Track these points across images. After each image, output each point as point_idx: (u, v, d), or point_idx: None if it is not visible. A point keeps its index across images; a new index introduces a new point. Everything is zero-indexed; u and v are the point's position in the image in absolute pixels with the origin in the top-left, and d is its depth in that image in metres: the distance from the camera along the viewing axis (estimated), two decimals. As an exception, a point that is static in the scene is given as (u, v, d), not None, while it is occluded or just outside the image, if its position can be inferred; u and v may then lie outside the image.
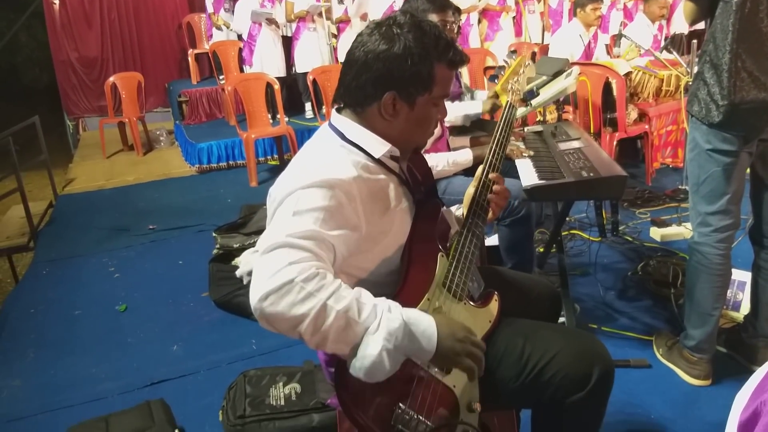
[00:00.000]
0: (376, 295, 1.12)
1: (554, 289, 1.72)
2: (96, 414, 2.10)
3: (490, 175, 1.45)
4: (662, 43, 5.29)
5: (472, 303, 1.31)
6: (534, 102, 2.85)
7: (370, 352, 1.03)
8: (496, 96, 3.01)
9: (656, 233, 3.38)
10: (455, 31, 2.46)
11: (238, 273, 3.03)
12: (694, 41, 3.51)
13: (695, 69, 1.95)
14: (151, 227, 4.18)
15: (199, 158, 5.64)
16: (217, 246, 3.40)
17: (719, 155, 1.90)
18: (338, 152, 1.23)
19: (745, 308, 2.37)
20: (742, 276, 2.46)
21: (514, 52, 2.56)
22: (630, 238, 3.38)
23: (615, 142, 3.99)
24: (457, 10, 2.80)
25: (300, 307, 0.99)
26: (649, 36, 4.98)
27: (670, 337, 2.30)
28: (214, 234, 3.50)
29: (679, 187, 4.02)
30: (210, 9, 7.23)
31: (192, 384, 2.38)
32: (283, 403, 2.03)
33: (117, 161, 6.30)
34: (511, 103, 1.59)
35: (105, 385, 2.42)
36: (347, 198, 1.14)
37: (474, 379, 1.16)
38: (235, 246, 3.33)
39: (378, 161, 1.26)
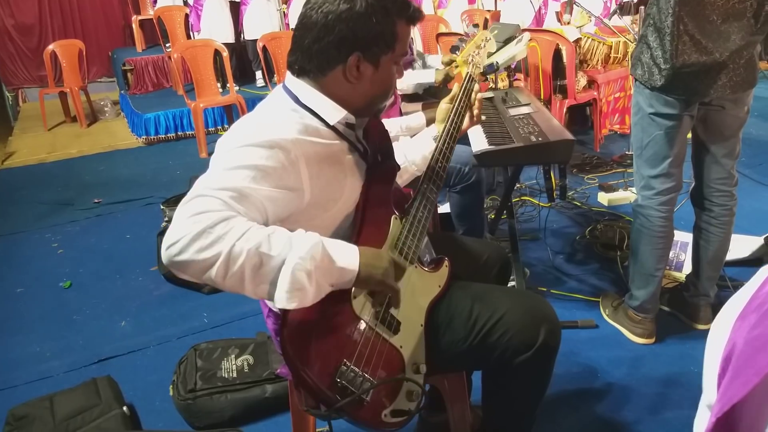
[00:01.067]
0: None
1: (504, 254, 1.74)
2: (41, 394, 2.03)
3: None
4: (612, 10, 5.35)
5: (423, 267, 1.31)
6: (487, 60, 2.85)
7: (286, 273, 0.99)
8: (450, 63, 2.99)
9: (603, 198, 3.46)
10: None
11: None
12: (642, 7, 3.55)
13: (640, 33, 1.96)
14: (96, 201, 4.03)
15: (146, 129, 5.45)
16: (166, 219, 3.31)
17: (661, 119, 1.93)
18: (287, 114, 1.20)
19: (687, 268, 2.46)
20: (684, 237, 2.54)
21: (476, 25, 2.54)
22: (578, 203, 3.45)
23: (565, 109, 4.05)
24: None
25: (208, 251, 0.95)
26: (599, 2, 5.02)
27: (615, 298, 2.37)
28: (162, 206, 3.40)
29: (626, 153, 4.10)
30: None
31: (141, 360, 2.33)
32: (235, 375, 2.01)
33: (59, 133, 6.04)
34: (471, 75, 1.58)
35: (50, 363, 2.35)
36: (288, 160, 1.11)
37: (397, 305, 1.19)
38: (184, 218, 3.25)
39: (331, 128, 1.23)
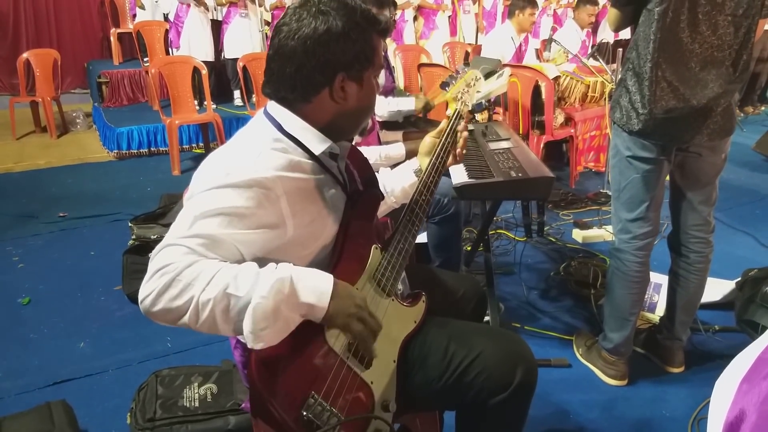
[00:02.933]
0: None
1: (480, 289, 1.72)
2: (-11, 417, 1.92)
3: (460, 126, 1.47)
4: (590, 50, 5.47)
5: (400, 301, 1.27)
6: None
7: (249, 314, 0.97)
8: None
9: (578, 235, 3.47)
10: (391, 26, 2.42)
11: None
12: (620, 50, 3.62)
13: (620, 77, 1.98)
14: (61, 215, 3.90)
15: (118, 143, 5.34)
16: (133, 237, 3.21)
17: (639, 162, 1.93)
18: (270, 145, 1.15)
19: (661, 309, 2.46)
20: (658, 278, 2.55)
21: (467, 64, 2.56)
22: (553, 239, 3.45)
23: (542, 145, 4.08)
24: (394, 4, 2.76)
25: (179, 299, 0.96)
26: (578, 42, 5.13)
27: (589, 337, 2.35)
28: (130, 224, 3.30)
29: (601, 190, 4.15)
30: (135, -13, 6.89)
31: (99, 384, 2.23)
32: (197, 404, 1.93)
33: (28, 143, 5.87)
34: (459, 112, 1.56)
35: (1, 384, 2.22)
36: (268, 199, 1.08)
37: (369, 350, 1.13)
38: (152, 237, 3.15)
39: (315, 159, 1.20)
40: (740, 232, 3.60)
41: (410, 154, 2.28)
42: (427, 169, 1.43)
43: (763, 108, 7.47)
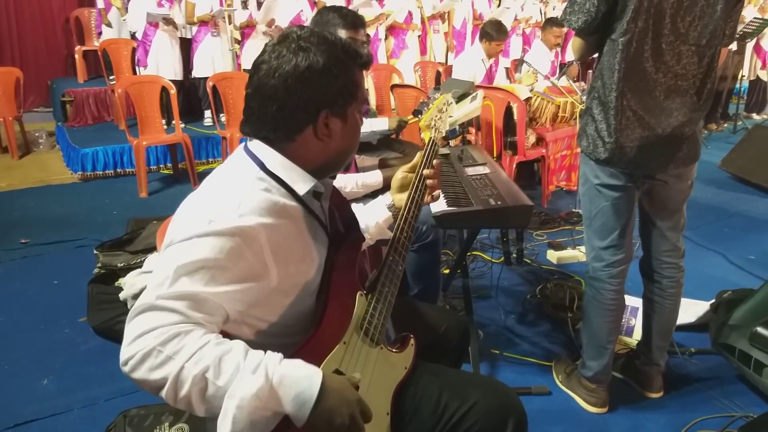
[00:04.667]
0: (284, 343, 1.03)
1: (463, 322, 1.70)
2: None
3: (425, 171, 1.43)
4: (559, 69, 5.55)
5: (389, 348, 1.23)
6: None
7: (226, 419, 0.91)
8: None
9: (553, 256, 3.48)
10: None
11: (121, 296, 2.78)
12: (590, 71, 3.67)
13: (586, 105, 1.97)
14: (23, 241, 3.75)
15: (82, 164, 5.18)
16: (99, 265, 3.10)
17: (608, 190, 1.93)
18: (253, 187, 1.10)
19: (638, 333, 2.46)
20: (634, 302, 2.55)
21: (438, 89, 2.55)
22: (529, 260, 3.45)
23: (514, 165, 4.10)
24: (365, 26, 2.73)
25: (158, 371, 0.91)
26: (547, 63, 5.20)
27: (568, 364, 2.33)
28: (95, 251, 3.19)
29: (573, 210, 4.17)
30: (101, 4, 6.74)
31: (64, 425, 2.12)
32: (168, 446, 1.84)
33: (-13, 164, 5.69)
34: (433, 140, 1.53)
35: (-43, 427, 2.10)
36: (251, 249, 1.04)
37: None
38: (119, 265, 3.04)
39: (299, 200, 1.15)
40: (710, 251, 3.65)
41: (387, 181, 2.24)
42: (405, 205, 1.39)
43: (726, 125, 7.67)
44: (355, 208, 1.53)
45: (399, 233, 1.34)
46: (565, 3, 1.87)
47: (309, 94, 1.10)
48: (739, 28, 6.73)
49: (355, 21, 2.35)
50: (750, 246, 3.72)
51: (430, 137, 1.56)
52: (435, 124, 1.64)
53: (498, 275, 3.11)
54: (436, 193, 1.46)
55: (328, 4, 6.81)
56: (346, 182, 2.17)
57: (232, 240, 1.01)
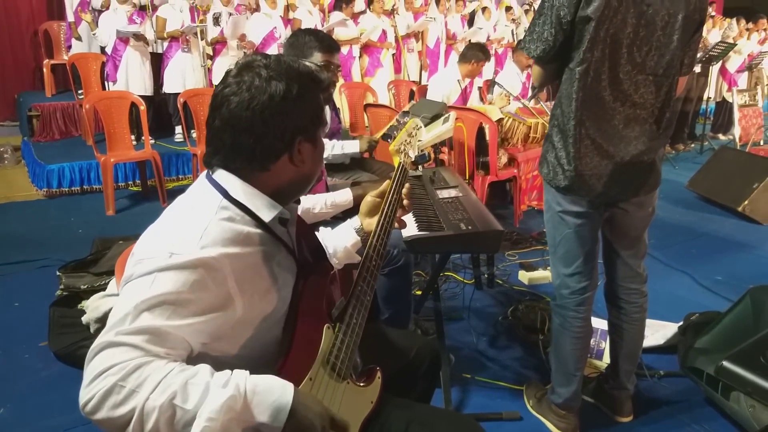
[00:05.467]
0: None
1: (433, 348, 1.67)
2: None
3: (396, 196, 1.41)
4: (530, 91, 5.62)
5: (355, 382, 1.20)
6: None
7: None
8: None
9: (524, 276, 3.48)
10: (337, 73, 2.39)
11: (84, 319, 2.70)
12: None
13: (546, 132, 1.97)
14: (-17, 261, 3.64)
15: (48, 181, 5.07)
16: (61, 287, 3.01)
17: (570, 217, 1.92)
18: (215, 217, 1.07)
19: (608, 356, 2.45)
20: (604, 325, 2.54)
21: (407, 112, 2.54)
22: (500, 281, 3.45)
23: (487, 185, 4.12)
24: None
25: (122, 407, 0.87)
26: (518, 83, 5.25)
27: (539, 388, 2.32)
28: (58, 273, 3.10)
29: (544, 230, 4.18)
30: (71, 18, 6.64)
31: (19, 457, 2.04)
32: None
33: (-52, 179, 5.53)
34: (403, 165, 1.52)
35: None
36: (214, 280, 1.01)
37: None
38: (82, 287, 2.96)
39: (265, 227, 1.13)
40: (678, 271, 3.70)
41: (357, 200, 2.22)
42: (374, 232, 1.36)
43: (693, 145, 7.85)
44: (324, 232, 1.50)
45: (368, 262, 1.31)
46: None
47: (286, 123, 1.09)
48: (704, 52, 6.92)
49: (331, 45, 2.35)
50: (717, 266, 3.78)
51: (400, 162, 1.55)
52: (404, 149, 1.62)
53: (470, 296, 3.10)
54: (403, 220, 1.44)
55: (303, 24, 6.86)
56: (314, 202, 2.14)
57: (194, 272, 0.98)
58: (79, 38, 6.75)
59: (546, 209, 2.02)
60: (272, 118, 1.07)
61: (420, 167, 2.52)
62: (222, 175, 1.12)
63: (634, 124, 1.80)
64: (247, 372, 0.96)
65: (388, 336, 1.59)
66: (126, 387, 0.87)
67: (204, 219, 1.05)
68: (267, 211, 1.12)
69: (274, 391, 0.94)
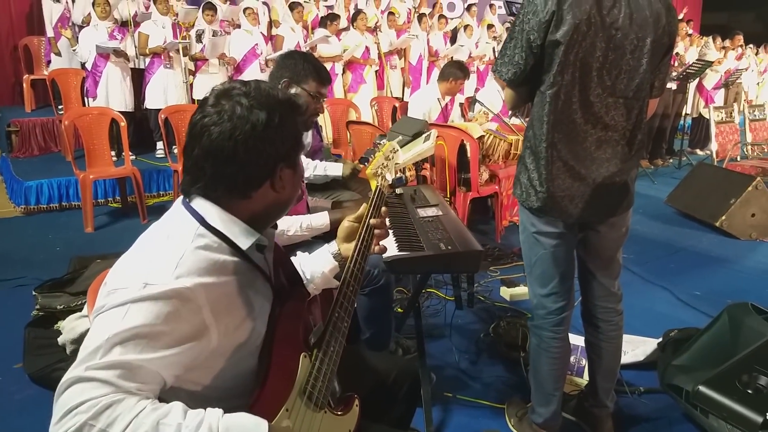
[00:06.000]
0: (224, 408, 0.97)
1: (413, 370, 1.66)
2: None
3: (372, 220, 1.39)
4: (510, 112, 5.67)
5: (333, 411, 1.18)
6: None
7: None
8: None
9: (506, 293, 3.49)
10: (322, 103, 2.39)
11: (60, 340, 2.66)
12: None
13: (520, 154, 1.97)
14: (-43, 280, 3.57)
15: (26, 197, 5.00)
16: (37, 306, 2.96)
17: (545, 238, 1.93)
18: (191, 245, 1.05)
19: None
20: (584, 342, 2.57)
21: (383, 136, 2.55)
22: (482, 297, 3.46)
23: (468, 201, 4.14)
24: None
25: None
26: (499, 101, 5.29)
27: (521, 407, 2.32)
28: (34, 292, 3.04)
29: (525, 246, 4.21)
30: (50, 33, 6.60)
31: (-10, 484, 1.99)
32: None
33: None
34: (380, 189, 1.51)
35: None
36: (189, 311, 0.99)
37: None
38: (58, 307, 2.91)
39: (242, 255, 1.12)
40: (657, 286, 3.73)
41: (335, 224, 2.21)
42: (351, 257, 1.35)
43: (671, 160, 7.97)
44: (301, 257, 1.49)
45: (345, 287, 1.30)
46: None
47: (269, 151, 1.09)
48: (682, 70, 7.06)
49: (325, 77, 2.34)
50: (696, 281, 3.82)
51: (377, 186, 1.55)
52: (381, 172, 1.62)
53: (452, 313, 3.10)
54: (381, 245, 1.43)
55: (285, 41, 6.88)
56: (290, 225, 2.13)
57: (168, 303, 0.97)
58: (58, 53, 6.71)
59: (521, 230, 2.03)
60: (255, 147, 1.07)
61: (394, 192, 2.51)
62: (199, 203, 1.11)
63: (606, 146, 1.81)
64: (221, 411, 0.94)
65: (366, 360, 1.58)
66: (96, 426, 0.85)
67: (179, 248, 1.04)
68: (244, 239, 1.11)
69: (248, 429, 0.93)
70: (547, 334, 2.02)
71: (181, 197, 1.15)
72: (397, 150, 1.69)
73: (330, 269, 1.45)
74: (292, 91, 2.26)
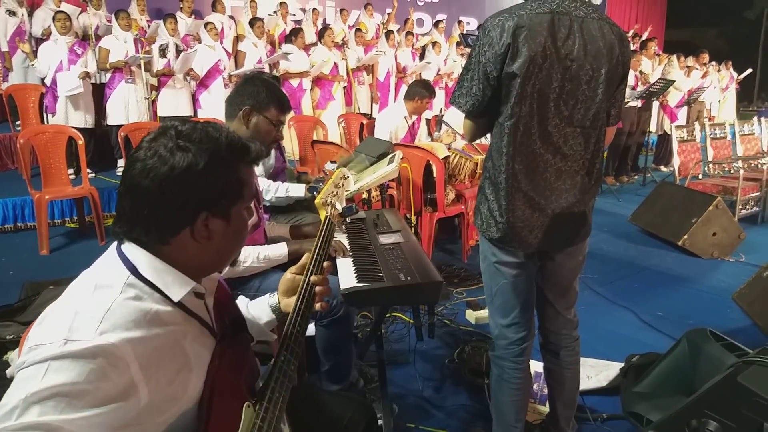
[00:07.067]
0: None
1: (369, 410, 1.62)
2: None
3: (313, 278, 1.32)
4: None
5: None
6: (356, 185, 2.80)
7: None
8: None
9: (471, 316, 3.46)
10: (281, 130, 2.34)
11: (9, 372, 2.53)
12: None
13: (479, 184, 1.95)
14: None
15: (-22, 218, 4.83)
16: (-16, 336, 2.83)
17: (505, 267, 1.91)
18: (119, 297, 0.99)
19: (551, 402, 2.44)
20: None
21: (334, 162, 2.50)
22: (447, 321, 3.42)
23: (435, 221, 4.12)
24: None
25: None
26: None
27: (483, 437, 2.29)
28: (-19, 321, 2.91)
29: (492, 266, 4.20)
30: (4, 48, 6.43)
31: None
32: None
33: None
34: (330, 219, 1.46)
35: None
36: (115, 368, 0.92)
37: None
38: (8, 337, 2.78)
39: (177, 305, 1.06)
40: (621, 307, 3.74)
41: (292, 255, 2.15)
42: (290, 318, 1.27)
43: (636, 177, 8.10)
44: (242, 301, 1.43)
45: (290, 327, 1.25)
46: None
47: (185, 196, 1.02)
48: (645, 88, 7.19)
49: (286, 106, 2.31)
50: (659, 301, 3.84)
51: (326, 216, 1.50)
52: (331, 201, 1.57)
53: (416, 339, 3.05)
54: (323, 303, 1.36)
55: (247, 56, 6.81)
56: (246, 256, 2.07)
57: (91, 362, 0.90)
58: (10, 68, 6.53)
59: (482, 259, 2.01)
60: (171, 190, 1.01)
61: (346, 220, 2.45)
62: (130, 249, 1.05)
63: (566, 176, 1.81)
64: None
65: (318, 401, 1.53)
66: None
67: (107, 299, 0.97)
68: (178, 288, 1.05)
69: None
70: (508, 364, 1.99)
71: (116, 242, 1.08)
72: (348, 176, 1.64)
73: (266, 322, 1.39)
74: (253, 119, 2.22)
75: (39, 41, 6.28)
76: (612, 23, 1.79)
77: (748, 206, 5.81)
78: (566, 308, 2.07)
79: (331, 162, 2.55)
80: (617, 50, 1.76)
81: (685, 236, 4.73)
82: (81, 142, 4.70)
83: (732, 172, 6.46)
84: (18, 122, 6.20)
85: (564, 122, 1.76)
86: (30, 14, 6.59)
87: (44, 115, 5.95)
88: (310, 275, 1.33)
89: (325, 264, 1.37)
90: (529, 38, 1.64)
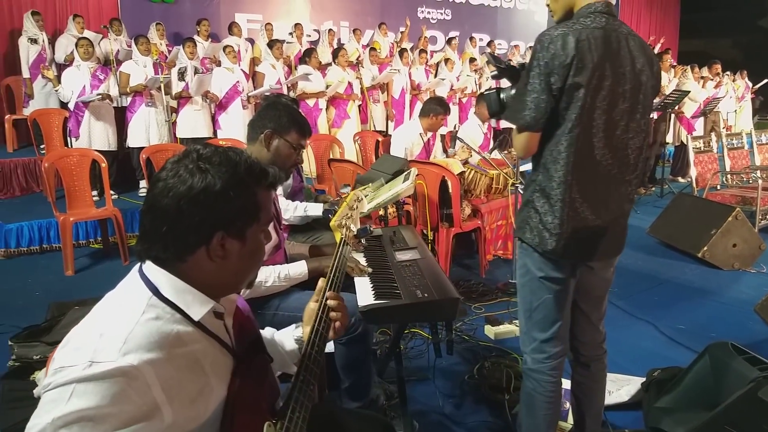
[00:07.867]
0: None
1: (389, 428, 1.63)
2: None
3: (329, 297, 1.35)
4: (492, 141, 5.73)
5: None
6: (373, 203, 2.84)
7: None
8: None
9: (490, 331, 3.47)
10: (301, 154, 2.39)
11: (36, 392, 2.58)
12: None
13: (526, 198, 1.96)
14: (-69, 329, 3.48)
15: (6, 240, 4.93)
16: (13, 357, 2.90)
17: (551, 283, 1.92)
18: (141, 318, 1.03)
19: (571, 417, 2.43)
20: (567, 384, 2.54)
21: (347, 185, 2.54)
22: (466, 337, 3.43)
23: (452, 237, 4.14)
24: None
25: None
26: (480, 135, 5.35)
27: (505, 453, 2.29)
28: (10, 342, 2.98)
29: (510, 280, 4.20)
30: (26, 74, 6.61)
31: None
32: None
33: None
34: (345, 241, 1.50)
35: None
36: (137, 391, 0.96)
37: None
38: (35, 357, 2.86)
39: (197, 323, 1.09)
40: (641, 320, 3.72)
41: (312, 273, 2.19)
42: (309, 337, 1.31)
43: (653, 188, 8.04)
44: (267, 332, 1.47)
45: (310, 348, 1.28)
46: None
47: (202, 216, 1.06)
48: (660, 99, 7.17)
49: (308, 130, 2.36)
50: (680, 314, 3.82)
51: (341, 238, 1.53)
52: (346, 224, 1.61)
53: (435, 355, 3.06)
54: (338, 327, 1.38)
55: (266, 78, 6.92)
56: (267, 275, 2.11)
57: (114, 384, 0.93)
58: (31, 95, 6.71)
59: (522, 273, 2.01)
60: (188, 210, 1.05)
61: (361, 241, 2.48)
62: (151, 269, 1.10)
63: (619, 186, 1.86)
64: None
65: (340, 420, 1.54)
66: None
67: (130, 321, 1.01)
68: (198, 307, 1.09)
69: None
70: (545, 378, 2.00)
71: (138, 264, 1.13)
72: (362, 198, 1.68)
73: (288, 351, 1.43)
74: (274, 143, 2.27)
75: (61, 67, 6.44)
76: (643, 41, 1.86)
77: (768, 216, 5.75)
78: (599, 320, 2.09)
79: (345, 185, 2.59)
80: (655, 65, 1.85)
81: (705, 248, 4.69)
82: (104, 164, 4.80)
83: (750, 182, 6.40)
84: (42, 146, 6.35)
85: (624, 132, 1.82)
86: (51, 41, 6.77)
87: (68, 138, 6.09)
88: (326, 299, 1.37)
89: (329, 298, 1.40)
90: (591, 51, 1.70)
